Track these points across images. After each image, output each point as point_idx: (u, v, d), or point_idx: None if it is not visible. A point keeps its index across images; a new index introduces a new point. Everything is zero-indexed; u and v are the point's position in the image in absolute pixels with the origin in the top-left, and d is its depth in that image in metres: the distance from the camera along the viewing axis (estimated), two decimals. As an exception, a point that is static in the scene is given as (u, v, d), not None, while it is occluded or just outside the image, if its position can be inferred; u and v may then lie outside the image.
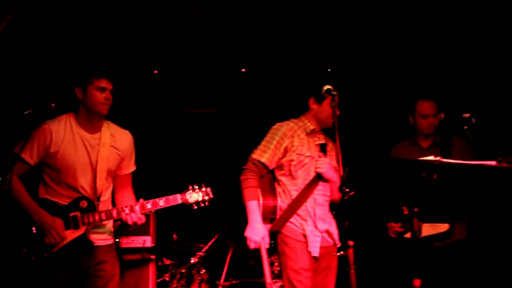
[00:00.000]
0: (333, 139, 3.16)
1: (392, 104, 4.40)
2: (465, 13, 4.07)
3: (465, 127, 2.95)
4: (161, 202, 3.01)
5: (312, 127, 3.14)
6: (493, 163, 2.08)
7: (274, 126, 3.18)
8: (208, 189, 3.12)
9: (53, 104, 2.92)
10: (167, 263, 4.37)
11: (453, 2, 4.04)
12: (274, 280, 3.12)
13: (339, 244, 3.06)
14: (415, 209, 2.13)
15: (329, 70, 5.00)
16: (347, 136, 3.36)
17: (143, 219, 3.03)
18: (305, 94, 3.21)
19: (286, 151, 3.10)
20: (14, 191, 2.94)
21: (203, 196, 3.08)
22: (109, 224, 3.15)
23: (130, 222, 2.98)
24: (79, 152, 3.03)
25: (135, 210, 3.00)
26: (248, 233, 2.99)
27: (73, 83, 3.07)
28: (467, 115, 2.95)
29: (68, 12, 4.08)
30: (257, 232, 2.97)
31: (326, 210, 3.11)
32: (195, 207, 3.08)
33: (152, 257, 4.08)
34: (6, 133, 2.91)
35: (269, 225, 3.08)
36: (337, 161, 2.50)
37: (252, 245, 3.00)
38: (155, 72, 5.07)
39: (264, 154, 3.11)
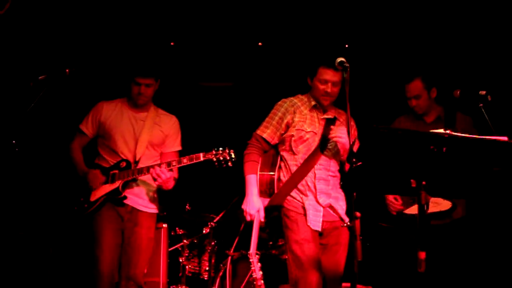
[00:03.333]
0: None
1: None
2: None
3: (481, 105, 2.90)
4: (185, 160, 3.34)
5: (314, 102, 3.16)
6: (504, 138, 2.05)
7: (279, 102, 3.25)
8: (231, 151, 3.32)
9: (67, 70, 3.01)
10: (180, 233, 4.44)
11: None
12: (257, 252, 3.13)
13: (346, 219, 3.02)
14: (423, 182, 2.12)
15: (346, 46, 4.94)
16: (359, 109, 3.37)
17: (166, 174, 3.32)
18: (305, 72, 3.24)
19: (287, 126, 3.14)
20: (71, 153, 3.56)
21: (225, 157, 3.29)
22: (154, 193, 3.56)
23: (154, 174, 3.31)
24: (124, 123, 3.53)
25: (161, 167, 3.33)
26: (244, 205, 3.09)
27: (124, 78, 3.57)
28: (483, 92, 2.90)
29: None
30: (252, 205, 3.05)
31: (331, 185, 3.10)
32: (217, 165, 3.31)
33: (164, 224, 4.14)
34: (20, 98, 2.97)
35: (267, 199, 3.14)
36: (348, 133, 2.51)
37: (247, 218, 3.07)
38: (172, 44, 5.05)
39: (266, 129, 3.19)
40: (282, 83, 5.08)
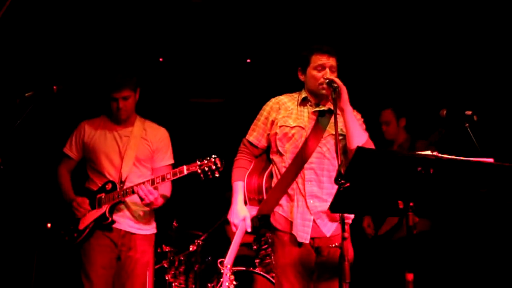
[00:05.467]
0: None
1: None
2: (469, 9, 4.05)
3: (467, 125, 2.93)
4: (168, 175, 3.19)
5: (304, 95, 2.86)
6: (490, 160, 2.07)
7: (266, 103, 2.99)
8: (217, 159, 3.12)
9: (54, 87, 2.97)
10: (166, 250, 4.39)
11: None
12: (228, 264, 2.82)
13: (327, 235, 2.73)
14: (411, 204, 2.12)
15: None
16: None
17: (154, 193, 3.19)
18: (295, 67, 2.94)
19: (272, 125, 2.87)
20: (58, 178, 3.44)
21: (210, 166, 3.10)
22: (147, 213, 3.40)
23: (141, 194, 3.17)
24: (108, 141, 3.37)
25: (146, 184, 3.19)
26: (228, 215, 2.83)
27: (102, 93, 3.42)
28: (469, 112, 2.93)
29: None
30: (235, 214, 2.78)
31: (325, 188, 2.75)
32: (203, 177, 3.12)
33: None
34: (6, 115, 2.94)
35: (257, 207, 2.85)
36: (336, 152, 2.42)
37: (233, 228, 2.80)
38: (161, 60, 5.06)
39: (253, 132, 2.95)
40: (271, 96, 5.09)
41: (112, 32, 4.54)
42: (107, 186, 3.31)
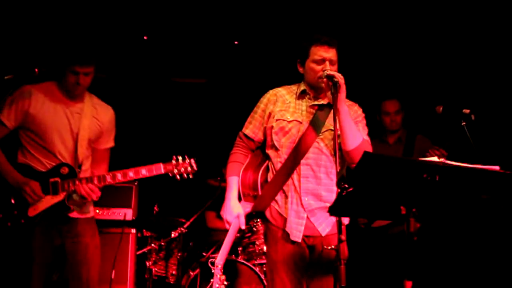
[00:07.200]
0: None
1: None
2: (468, 9, 4.00)
3: (463, 123, 2.89)
4: (144, 171, 3.01)
5: (303, 88, 2.76)
6: (496, 168, 2.03)
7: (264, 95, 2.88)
8: (192, 161, 3.11)
9: (36, 70, 2.79)
10: (147, 235, 4.30)
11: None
12: (219, 264, 2.79)
13: (322, 234, 2.66)
14: (413, 209, 2.07)
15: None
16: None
17: (98, 192, 2.97)
18: (294, 59, 2.81)
19: (269, 117, 2.78)
20: None
21: (186, 168, 3.07)
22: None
23: (83, 192, 2.94)
24: (58, 117, 3.00)
25: (110, 179, 2.98)
26: (222, 211, 2.75)
27: (55, 63, 3.03)
28: (467, 111, 2.89)
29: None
30: (228, 211, 2.69)
31: (323, 184, 2.67)
32: (178, 178, 3.08)
33: (133, 230, 3.99)
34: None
35: (252, 203, 2.76)
36: (334, 153, 2.34)
37: (226, 226, 2.71)
38: (145, 38, 4.87)
39: (249, 125, 2.85)
40: (258, 81, 4.98)
41: (95, 9, 4.32)
42: (62, 170, 2.97)
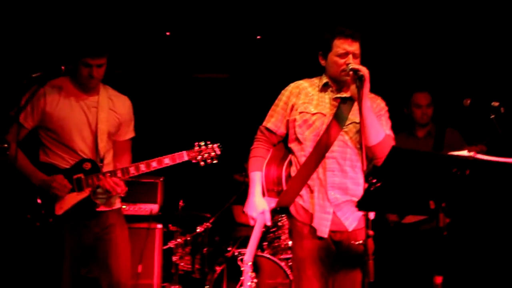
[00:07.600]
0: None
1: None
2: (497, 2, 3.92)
3: (492, 116, 2.82)
4: (167, 160, 2.97)
5: (326, 80, 2.71)
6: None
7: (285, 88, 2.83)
8: (215, 146, 3.07)
9: (63, 67, 2.81)
10: (172, 230, 4.34)
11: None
12: (248, 262, 2.80)
13: (349, 229, 2.62)
14: (442, 204, 2.04)
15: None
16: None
17: (121, 186, 2.96)
18: (315, 51, 2.76)
19: (292, 110, 2.72)
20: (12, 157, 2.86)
21: (210, 153, 3.05)
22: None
23: (107, 186, 2.92)
24: (75, 112, 2.97)
25: (134, 170, 2.96)
26: (245, 207, 2.68)
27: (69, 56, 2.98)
28: (496, 103, 2.81)
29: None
30: (253, 207, 2.64)
31: (349, 178, 2.62)
32: (202, 164, 3.05)
33: (159, 225, 4.02)
34: (13, 96, 2.80)
35: (276, 199, 2.69)
36: (360, 141, 2.30)
37: (251, 222, 2.67)
38: (168, 34, 4.89)
39: (271, 118, 2.78)
40: (281, 76, 4.96)
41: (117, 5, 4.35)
42: (84, 165, 2.95)
